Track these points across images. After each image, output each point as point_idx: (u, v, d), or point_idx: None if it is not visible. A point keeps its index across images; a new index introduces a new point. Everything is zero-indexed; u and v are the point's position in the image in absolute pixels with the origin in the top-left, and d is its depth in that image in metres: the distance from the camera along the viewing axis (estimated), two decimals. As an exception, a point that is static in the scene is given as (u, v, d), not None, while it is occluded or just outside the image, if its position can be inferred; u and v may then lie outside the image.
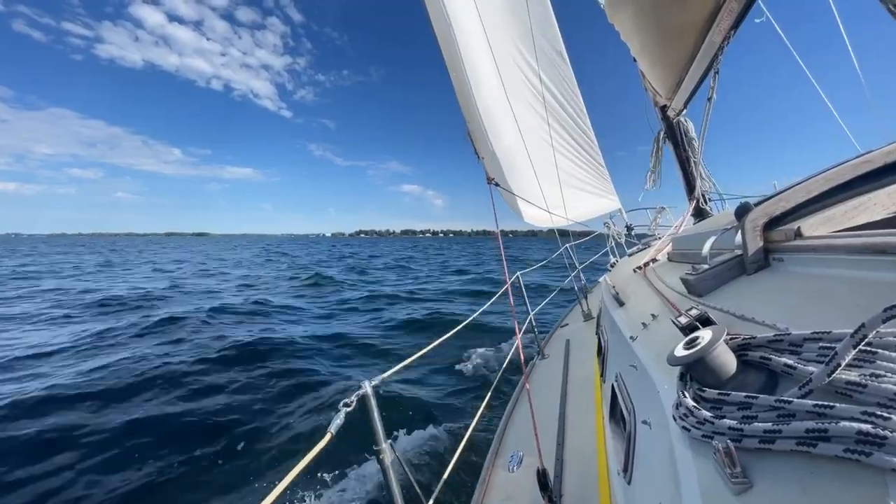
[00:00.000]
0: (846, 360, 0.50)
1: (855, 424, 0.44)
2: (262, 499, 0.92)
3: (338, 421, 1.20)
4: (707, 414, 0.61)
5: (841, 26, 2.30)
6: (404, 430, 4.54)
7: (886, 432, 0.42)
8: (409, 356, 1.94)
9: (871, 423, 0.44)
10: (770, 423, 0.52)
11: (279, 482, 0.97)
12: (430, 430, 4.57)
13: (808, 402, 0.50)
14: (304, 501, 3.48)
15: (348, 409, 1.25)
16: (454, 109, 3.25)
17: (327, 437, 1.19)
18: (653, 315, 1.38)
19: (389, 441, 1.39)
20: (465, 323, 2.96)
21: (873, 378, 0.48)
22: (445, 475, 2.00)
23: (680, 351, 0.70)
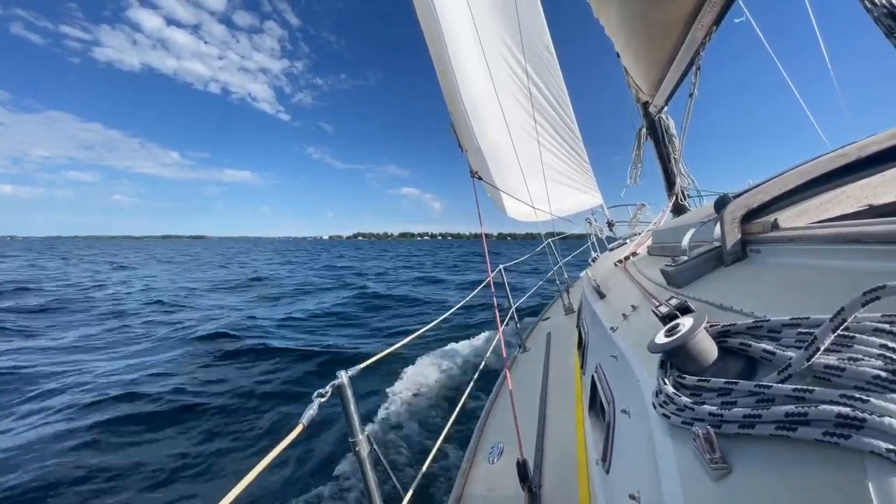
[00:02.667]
0: (825, 345, 0.49)
1: (834, 408, 0.43)
2: (227, 491, 0.88)
3: (310, 412, 1.17)
4: (687, 400, 0.60)
5: (816, 27, 2.36)
6: (383, 422, 4.51)
7: (865, 415, 0.41)
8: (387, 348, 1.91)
9: (850, 406, 0.43)
10: (749, 409, 0.51)
11: (247, 474, 0.93)
12: (410, 422, 4.56)
13: (788, 386, 0.50)
14: (275, 495, 3.42)
15: (322, 400, 1.22)
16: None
17: (299, 428, 1.15)
18: (633, 306, 1.38)
19: (366, 433, 1.36)
20: (445, 315, 2.95)
21: (851, 362, 0.48)
22: (424, 467, 1.99)
23: (661, 338, 0.70)
